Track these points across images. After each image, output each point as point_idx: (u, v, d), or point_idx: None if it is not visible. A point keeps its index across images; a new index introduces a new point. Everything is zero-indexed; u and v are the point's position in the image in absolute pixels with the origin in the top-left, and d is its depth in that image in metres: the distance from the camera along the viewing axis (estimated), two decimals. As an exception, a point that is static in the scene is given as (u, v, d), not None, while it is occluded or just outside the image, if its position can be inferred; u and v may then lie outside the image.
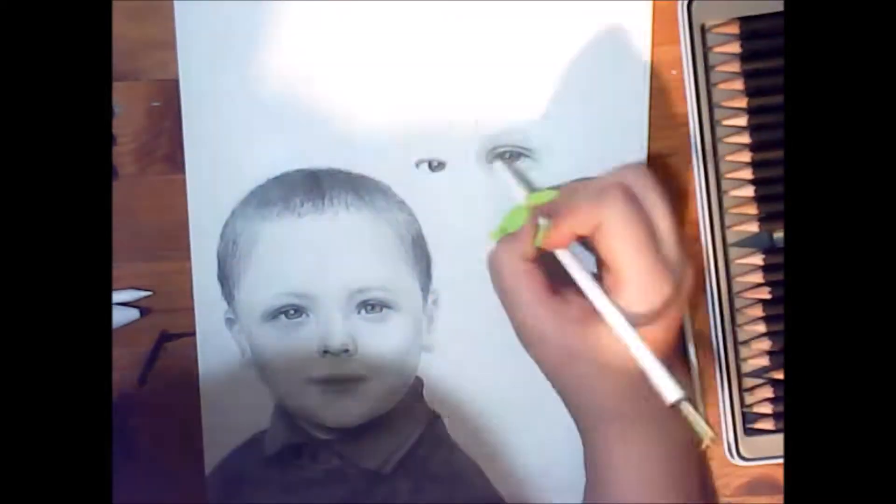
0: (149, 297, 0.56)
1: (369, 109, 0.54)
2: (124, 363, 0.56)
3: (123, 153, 0.55)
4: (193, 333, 0.56)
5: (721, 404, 0.55)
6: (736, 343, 0.54)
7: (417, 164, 0.54)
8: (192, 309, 0.56)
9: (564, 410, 0.52)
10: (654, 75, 0.54)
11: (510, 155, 0.54)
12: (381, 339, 0.55)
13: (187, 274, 0.55)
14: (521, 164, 0.54)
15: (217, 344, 0.56)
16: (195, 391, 0.56)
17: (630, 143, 0.54)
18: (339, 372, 0.55)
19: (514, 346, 0.54)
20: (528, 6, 0.53)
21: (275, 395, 0.56)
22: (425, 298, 0.55)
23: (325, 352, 0.55)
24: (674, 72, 0.54)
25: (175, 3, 0.53)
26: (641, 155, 0.54)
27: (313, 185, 0.54)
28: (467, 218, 0.54)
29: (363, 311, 0.55)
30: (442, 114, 0.54)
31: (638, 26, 0.53)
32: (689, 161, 0.54)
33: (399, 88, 0.54)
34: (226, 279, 0.55)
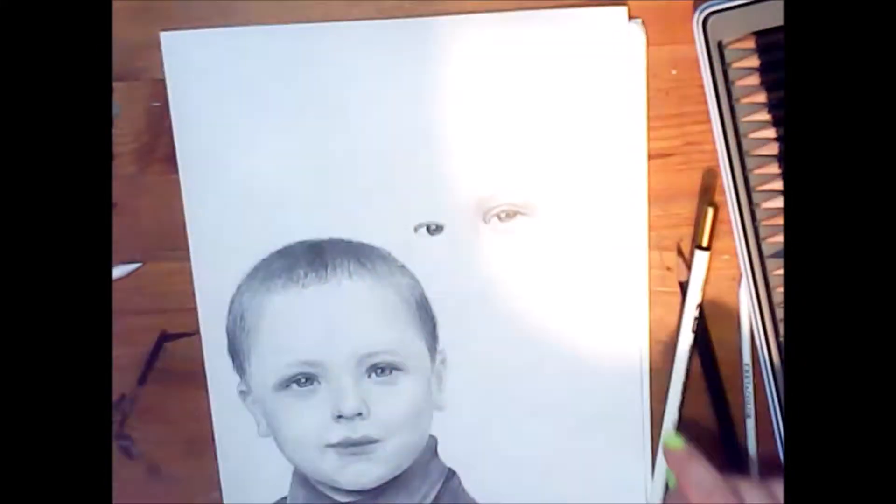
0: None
1: (365, 177, 0.54)
2: (124, 363, 0.56)
3: (123, 153, 0.55)
4: (193, 333, 0.56)
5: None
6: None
7: (416, 229, 0.55)
8: (192, 309, 0.56)
9: (577, 464, 0.52)
10: (653, 76, 0.53)
11: (506, 214, 0.55)
12: (393, 401, 0.56)
13: (186, 274, 0.56)
14: (517, 222, 0.54)
15: (232, 415, 0.57)
16: (197, 390, 0.57)
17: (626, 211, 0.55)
18: (354, 435, 0.56)
19: (523, 401, 0.56)
20: (516, 70, 0.53)
21: (292, 462, 0.57)
22: (433, 359, 0.56)
23: (339, 417, 0.56)
24: (674, 72, 0.54)
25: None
26: (640, 204, 0.55)
27: (315, 256, 0.55)
28: (468, 278, 0.55)
29: (373, 375, 0.56)
30: (437, 178, 0.54)
31: (632, 71, 0.53)
32: (689, 161, 0.54)
33: (392, 155, 0.54)
34: (236, 353, 0.56)
